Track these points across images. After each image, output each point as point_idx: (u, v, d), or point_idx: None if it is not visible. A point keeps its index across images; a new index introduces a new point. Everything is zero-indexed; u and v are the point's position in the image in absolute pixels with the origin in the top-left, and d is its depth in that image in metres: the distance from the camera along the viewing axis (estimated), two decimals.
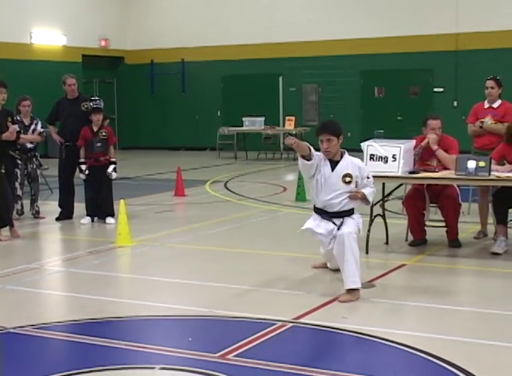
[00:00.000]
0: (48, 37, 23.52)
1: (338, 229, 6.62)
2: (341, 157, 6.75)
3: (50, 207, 11.71)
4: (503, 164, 8.25)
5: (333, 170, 6.68)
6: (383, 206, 8.81)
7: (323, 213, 6.76)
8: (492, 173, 7.81)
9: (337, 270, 7.08)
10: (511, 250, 8.22)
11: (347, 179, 6.66)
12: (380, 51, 22.64)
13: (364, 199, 6.75)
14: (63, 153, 10.95)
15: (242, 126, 22.28)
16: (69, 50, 23.91)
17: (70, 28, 23.95)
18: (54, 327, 5.84)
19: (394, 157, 8.02)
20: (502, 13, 21.03)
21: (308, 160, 6.57)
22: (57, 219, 10.87)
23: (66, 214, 10.95)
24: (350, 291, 6.45)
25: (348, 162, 6.73)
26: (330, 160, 6.70)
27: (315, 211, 6.87)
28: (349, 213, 6.74)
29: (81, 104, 10.84)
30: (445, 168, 8.40)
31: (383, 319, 5.99)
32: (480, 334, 5.52)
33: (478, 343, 5.34)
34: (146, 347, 5.30)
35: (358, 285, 6.44)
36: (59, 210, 11.01)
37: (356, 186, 6.71)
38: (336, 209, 6.70)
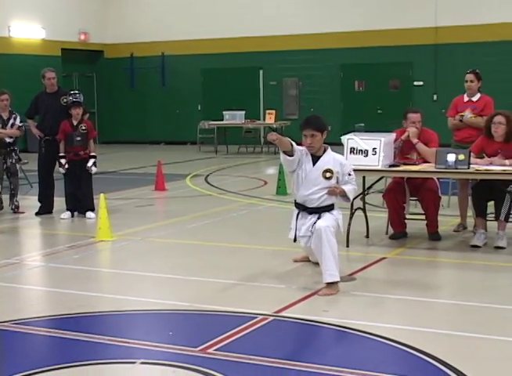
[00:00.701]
0: (27, 31, 23.37)
1: (315, 223, 6.62)
2: (324, 152, 6.73)
3: (30, 201, 11.64)
4: (482, 158, 8.29)
5: (314, 165, 6.66)
6: (363, 199, 8.83)
7: (303, 208, 6.77)
8: (472, 166, 7.85)
9: (319, 263, 7.11)
10: (490, 243, 8.27)
11: (328, 175, 6.63)
12: (360, 45, 22.68)
13: (344, 196, 6.73)
14: (42, 147, 10.89)
15: (222, 120, 22.26)
16: (48, 44, 23.77)
17: (49, 21, 23.81)
18: (34, 322, 5.81)
19: (374, 150, 8.04)
20: (481, 7, 21.15)
21: (289, 156, 6.57)
22: (37, 214, 10.82)
23: (45, 208, 10.89)
24: (329, 284, 6.46)
25: (330, 158, 6.71)
26: (312, 155, 6.69)
27: (296, 206, 6.87)
28: (328, 209, 6.73)
29: (60, 98, 10.77)
30: (425, 161, 8.44)
31: (363, 313, 6.00)
32: (460, 327, 5.55)
33: (458, 335, 5.37)
34: (126, 342, 5.28)
35: (336, 279, 6.45)
36: (38, 205, 10.95)
37: (337, 183, 6.70)
38: (315, 205, 6.68)
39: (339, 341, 5.45)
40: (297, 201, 6.82)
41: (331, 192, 6.63)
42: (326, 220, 6.59)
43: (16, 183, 11.14)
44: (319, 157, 6.68)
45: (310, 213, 6.71)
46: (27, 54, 22.90)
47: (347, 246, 8.25)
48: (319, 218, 6.63)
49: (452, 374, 4.59)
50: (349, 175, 6.75)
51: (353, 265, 7.51)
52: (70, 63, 24.55)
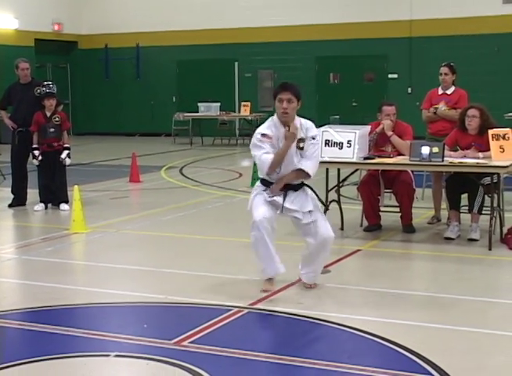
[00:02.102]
0: None
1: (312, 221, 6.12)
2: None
3: (3, 193, 11.55)
4: (456, 150, 8.34)
5: None
6: (338, 192, 8.85)
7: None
8: (446, 159, 7.88)
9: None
10: (464, 235, 8.32)
11: (301, 145, 6.12)
12: (335, 37, 22.71)
13: (302, 172, 6.11)
14: (15, 138, 10.79)
15: (197, 112, 22.21)
16: (21, 34, 23.54)
17: (22, 11, 23.56)
18: (7, 315, 5.76)
19: (349, 142, 8.05)
20: (455, 0, 21.23)
21: None
22: (10, 206, 10.73)
23: (19, 200, 10.81)
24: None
25: (298, 125, 6.19)
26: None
27: (265, 184, 6.23)
28: (301, 185, 6.25)
29: (33, 89, 10.67)
30: (400, 154, 8.48)
31: (338, 305, 6.02)
32: (432, 319, 5.59)
33: (431, 327, 5.40)
34: (100, 334, 5.26)
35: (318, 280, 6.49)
36: (11, 196, 10.86)
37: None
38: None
39: (313, 334, 5.46)
40: (272, 180, 6.19)
41: (288, 135, 6.01)
42: (327, 224, 6.20)
43: None
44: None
45: (291, 189, 6.18)
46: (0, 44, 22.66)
47: None
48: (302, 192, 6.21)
49: (425, 366, 4.62)
50: (313, 138, 6.18)
51: (328, 257, 7.51)
52: (43, 54, 24.35)
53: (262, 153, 6.08)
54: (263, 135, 6.14)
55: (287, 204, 6.15)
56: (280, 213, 6.21)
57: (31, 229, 9.59)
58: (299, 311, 5.75)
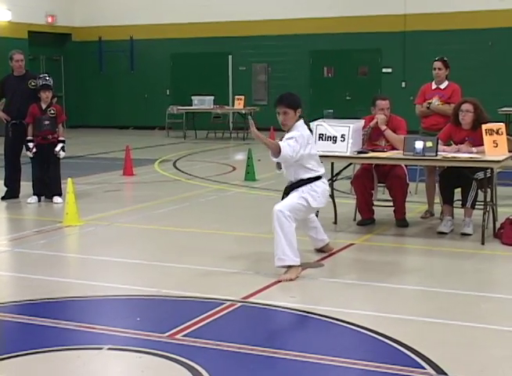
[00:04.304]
0: None
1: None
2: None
3: None
4: (450, 145, 8.35)
5: None
6: (331, 186, 8.85)
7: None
8: (439, 153, 7.89)
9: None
10: (457, 229, 8.34)
11: None
12: (329, 31, 22.71)
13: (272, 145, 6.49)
14: (9, 131, 10.76)
15: (191, 105, 22.18)
16: (14, 26, 23.46)
17: (16, 3, 23.48)
18: (0, 307, 5.76)
19: (342, 136, 8.05)
20: None
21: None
22: (3, 198, 10.71)
23: (12, 193, 10.79)
24: (288, 269, 6.47)
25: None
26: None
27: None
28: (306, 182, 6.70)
29: (28, 81, 10.64)
30: (394, 148, 8.48)
31: (331, 298, 6.03)
32: (425, 312, 5.60)
33: (424, 321, 5.41)
34: (93, 327, 5.26)
35: (284, 263, 6.46)
36: (4, 189, 10.85)
37: None
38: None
39: (306, 327, 5.47)
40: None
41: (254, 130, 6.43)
42: (286, 200, 6.59)
43: None
44: None
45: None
46: None
47: None
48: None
49: (417, 360, 4.63)
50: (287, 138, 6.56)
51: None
52: (36, 46, 24.27)
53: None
54: None
55: None
56: None
57: (24, 222, 9.57)
58: (292, 305, 5.76)
